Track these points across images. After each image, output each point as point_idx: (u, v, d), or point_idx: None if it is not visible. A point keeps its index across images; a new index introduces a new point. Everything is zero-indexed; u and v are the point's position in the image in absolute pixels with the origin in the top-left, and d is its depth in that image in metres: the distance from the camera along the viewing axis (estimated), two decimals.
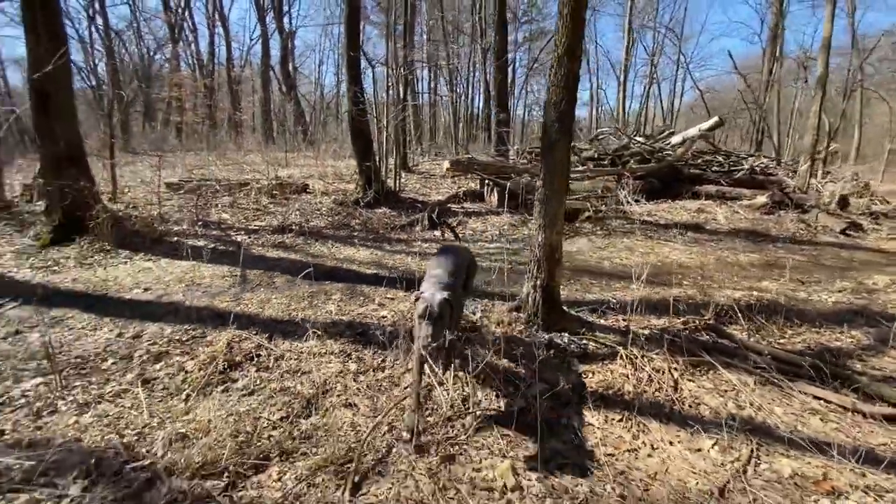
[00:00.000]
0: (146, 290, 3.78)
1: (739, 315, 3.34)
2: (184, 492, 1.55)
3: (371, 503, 1.55)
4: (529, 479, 1.71)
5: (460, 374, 2.48)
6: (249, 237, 5.58)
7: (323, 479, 1.65)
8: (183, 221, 5.80)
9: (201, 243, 5.02)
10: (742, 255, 5.46)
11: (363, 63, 8.54)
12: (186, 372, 2.52)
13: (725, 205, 7.57)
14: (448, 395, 2.30)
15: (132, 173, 9.12)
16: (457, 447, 1.92)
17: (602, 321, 3.39)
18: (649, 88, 27.75)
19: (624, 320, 3.36)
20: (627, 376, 2.60)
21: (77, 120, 5.04)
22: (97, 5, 18.39)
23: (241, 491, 1.59)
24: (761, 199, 7.44)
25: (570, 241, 6.07)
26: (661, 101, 29.85)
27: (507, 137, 10.96)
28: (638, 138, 10.55)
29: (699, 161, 9.45)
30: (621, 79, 23.77)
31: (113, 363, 2.64)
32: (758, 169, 8.87)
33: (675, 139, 10.59)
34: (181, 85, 19.50)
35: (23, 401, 2.24)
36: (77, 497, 1.49)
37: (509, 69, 25.54)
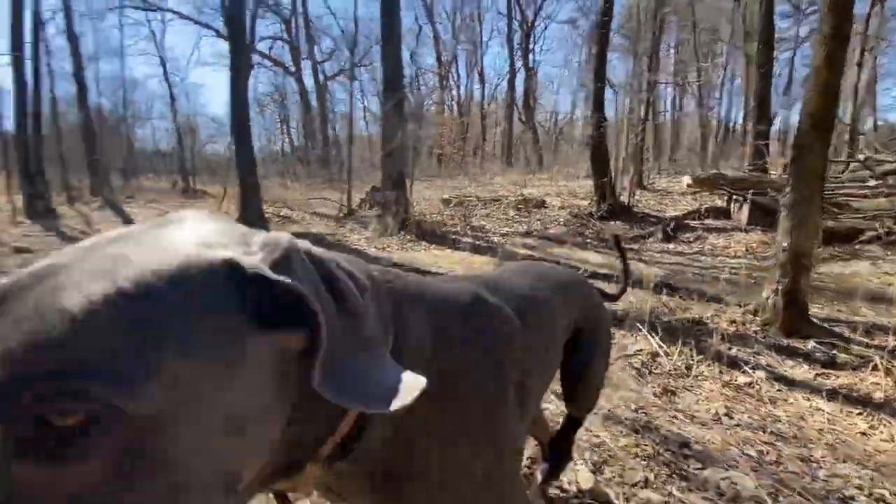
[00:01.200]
0: (439, 267, 5.46)
1: None
2: None
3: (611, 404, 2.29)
4: (736, 410, 2.13)
5: (685, 349, 2.94)
6: (503, 238, 7.05)
7: None
8: (456, 225, 7.78)
9: (469, 240, 6.70)
10: None
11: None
12: None
13: None
14: (671, 360, 2.82)
15: (415, 192, 12.22)
16: (676, 389, 2.46)
17: (861, 338, 3.14)
18: None
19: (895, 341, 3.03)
20: (879, 384, 2.52)
21: (402, 156, 7.54)
22: None
23: None
24: None
25: (844, 264, 5.26)
26: None
27: (765, 150, 9.70)
28: None
29: None
30: None
31: None
32: None
33: None
34: (444, 124, 24.24)
35: None
36: None
37: (785, 70, 21.62)
